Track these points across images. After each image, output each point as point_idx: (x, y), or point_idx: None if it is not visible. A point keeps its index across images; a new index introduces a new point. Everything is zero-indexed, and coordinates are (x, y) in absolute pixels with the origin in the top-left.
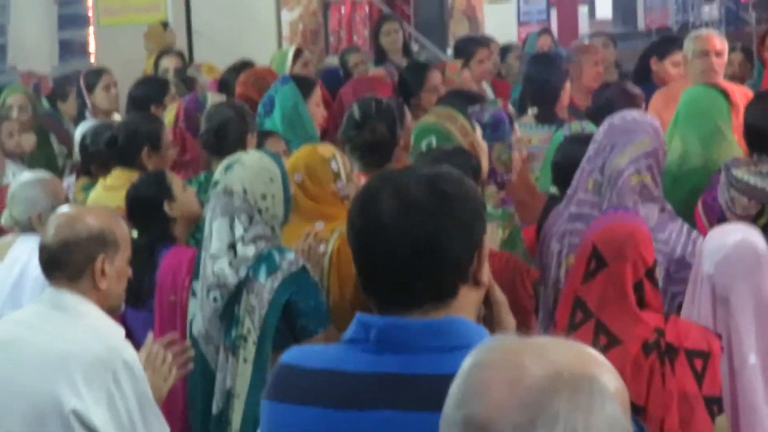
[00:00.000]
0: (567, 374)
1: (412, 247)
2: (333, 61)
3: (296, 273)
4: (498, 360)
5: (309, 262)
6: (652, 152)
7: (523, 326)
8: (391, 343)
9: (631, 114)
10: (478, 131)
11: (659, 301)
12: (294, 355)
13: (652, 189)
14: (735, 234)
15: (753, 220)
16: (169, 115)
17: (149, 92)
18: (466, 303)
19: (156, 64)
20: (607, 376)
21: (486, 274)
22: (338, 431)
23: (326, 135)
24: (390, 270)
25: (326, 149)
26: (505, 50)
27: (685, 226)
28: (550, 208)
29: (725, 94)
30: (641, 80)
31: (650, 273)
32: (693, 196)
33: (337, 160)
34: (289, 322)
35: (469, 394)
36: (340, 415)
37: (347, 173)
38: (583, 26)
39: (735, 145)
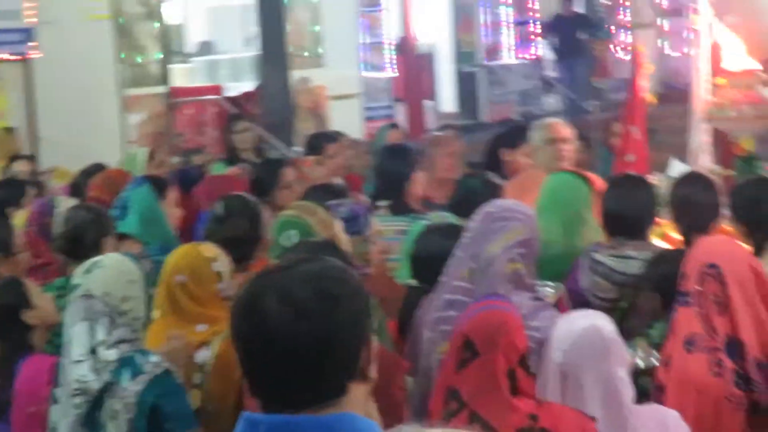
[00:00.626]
0: None
1: (301, 352)
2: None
3: (160, 375)
4: None
5: (175, 364)
6: (525, 241)
7: (395, 419)
8: None
9: (506, 202)
10: (338, 225)
11: (533, 387)
12: None
13: (525, 277)
14: (582, 321)
15: (613, 303)
16: (19, 219)
17: (5, 195)
18: (356, 398)
19: (6, 169)
20: None
21: (374, 369)
22: None
23: (182, 235)
24: (279, 374)
25: (209, 249)
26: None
27: (557, 314)
28: (411, 300)
29: (587, 181)
30: (492, 170)
31: (523, 360)
32: (557, 281)
33: (220, 260)
34: (155, 426)
35: None
36: None
37: (229, 273)
38: (430, 119)
39: (597, 230)
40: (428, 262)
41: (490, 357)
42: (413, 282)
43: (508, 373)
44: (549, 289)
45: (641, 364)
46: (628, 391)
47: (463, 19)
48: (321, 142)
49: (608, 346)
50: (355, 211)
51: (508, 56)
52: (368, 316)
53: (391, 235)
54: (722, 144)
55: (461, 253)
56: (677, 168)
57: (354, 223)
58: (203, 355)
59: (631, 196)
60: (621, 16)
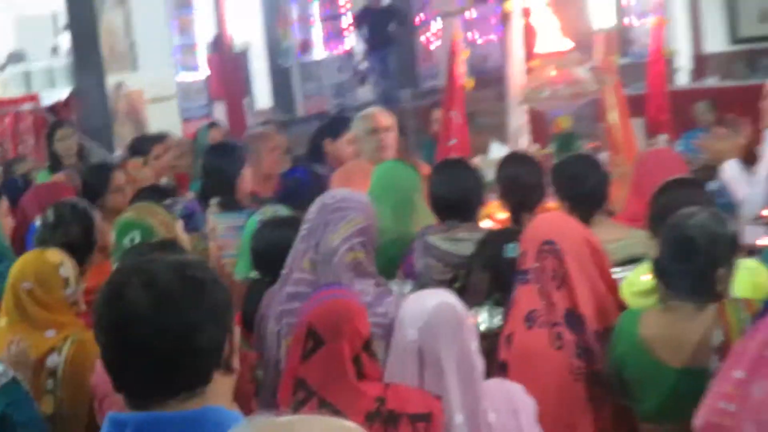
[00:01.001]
0: None
1: (167, 339)
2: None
3: (7, 385)
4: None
5: (20, 371)
6: (364, 229)
7: (245, 411)
8: None
9: (341, 192)
10: (179, 224)
11: (378, 371)
12: None
13: (366, 265)
14: (432, 298)
15: (448, 284)
16: None
17: None
18: (220, 389)
19: None
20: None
21: (237, 359)
22: None
23: (13, 245)
24: (144, 363)
25: (54, 255)
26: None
27: (401, 297)
28: (254, 293)
29: (414, 168)
30: (316, 161)
31: (367, 346)
32: (392, 266)
33: (66, 265)
34: None
35: None
36: None
37: (75, 278)
38: (247, 117)
39: (428, 214)
40: (268, 255)
41: (335, 345)
42: (254, 275)
43: (353, 359)
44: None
45: (485, 325)
46: (480, 366)
47: (276, 16)
48: (145, 144)
49: (461, 321)
50: (191, 209)
51: (321, 51)
52: (230, 306)
53: (223, 232)
54: (540, 124)
55: (301, 245)
56: (498, 150)
57: (191, 221)
58: (54, 361)
59: (458, 179)
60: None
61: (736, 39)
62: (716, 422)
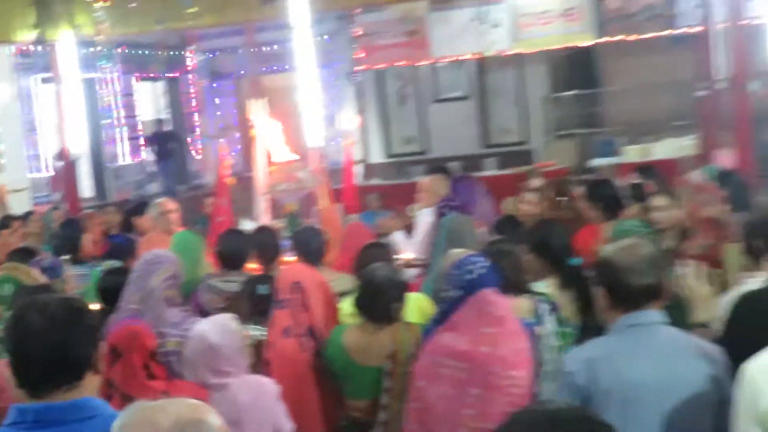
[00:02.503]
0: (185, 420)
1: (54, 350)
2: None
3: None
4: (137, 419)
5: None
6: (173, 275)
7: None
8: (45, 421)
9: (157, 251)
10: (36, 272)
11: (164, 372)
12: None
13: (175, 298)
14: (220, 320)
15: (224, 311)
16: None
17: None
18: (91, 384)
19: None
20: (212, 417)
21: (102, 364)
22: None
23: None
24: (39, 366)
25: None
26: None
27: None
28: (100, 319)
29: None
30: (128, 231)
31: (153, 355)
32: (186, 300)
33: None
34: None
35: None
36: None
37: None
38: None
39: (208, 265)
40: (110, 293)
41: (129, 357)
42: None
43: (143, 366)
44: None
45: (255, 337)
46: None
47: (98, 137)
48: (9, 220)
49: (238, 335)
50: (53, 263)
51: (126, 159)
52: (98, 327)
53: (75, 278)
54: (276, 207)
55: (132, 286)
56: (248, 224)
57: (55, 270)
58: None
59: (232, 241)
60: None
61: (389, 154)
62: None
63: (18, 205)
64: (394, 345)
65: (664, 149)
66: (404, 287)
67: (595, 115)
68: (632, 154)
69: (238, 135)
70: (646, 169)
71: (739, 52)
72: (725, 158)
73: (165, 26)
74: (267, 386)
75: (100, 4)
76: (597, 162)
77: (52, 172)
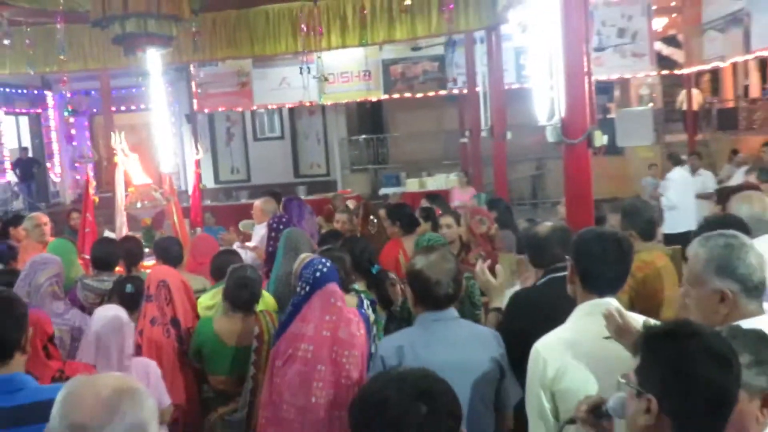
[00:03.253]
0: (121, 388)
1: None
2: None
3: None
4: (79, 391)
5: None
6: (58, 274)
7: None
8: None
9: (43, 255)
10: None
11: (59, 354)
12: None
13: (59, 293)
14: (110, 311)
15: (98, 305)
16: None
17: None
18: (19, 362)
19: None
20: (142, 386)
21: (28, 345)
22: None
23: None
24: None
25: None
26: None
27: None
28: None
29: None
30: (6, 238)
31: (50, 339)
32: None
33: None
34: None
35: (70, 410)
36: None
37: None
38: None
39: (79, 268)
40: None
41: (31, 339)
42: None
43: (43, 347)
44: None
45: None
46: (130, 350)
47: None
48: None
49: (123, 324)
50: None
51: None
52: (26, 316)
53: None
54: (133, 222)
55: (21, 282)
56: (111, 235)
57: None
58: None
59: (105, 247)
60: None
61: (218, 181)
62: (269, 398)
63: None
64: (259, 328)
65: (436, 182)
66: (261, 284)
67: (383, 154)
68: (412, 185)
69: (92, 162)
70: (434, 196)
71: (497, 109)
72: (463, 194)
73: (36, 70)
74: (152, 367)
75: None
76: (385, 191)
77: None
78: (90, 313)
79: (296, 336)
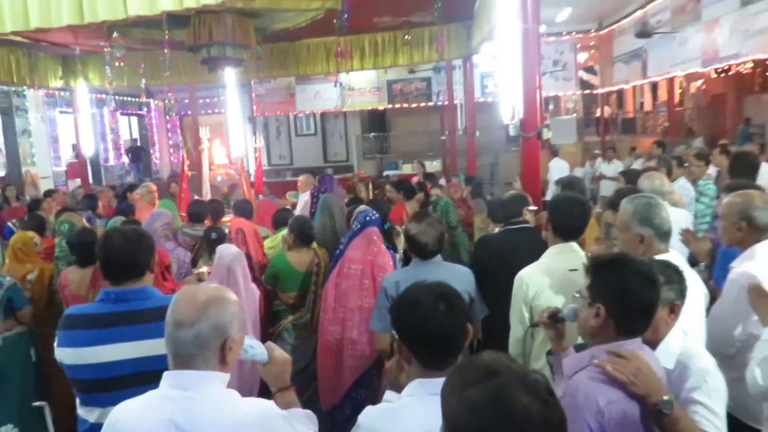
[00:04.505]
0: (213, 296)
1: (128, 258)
2: None
3: (12, 284)
4: (184, 297)
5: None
6: (168, 222)
7: None
8: (121, 299)
9: (157, 210)
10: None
11: (172, 277)
12: (73, 310)
13: (169, 236)
14: (228, 249)
15: (192, 248)
16: None
17: None
18: (148, 279)
19: None
20: (230, 294)
21: (155, 264)
22: (112, 337)
23: None
24: (117, 267)
25: (30, 233)
26: None
27: (180, 247)
28: None
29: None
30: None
31: (167, 267)
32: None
33: (36, 237)
34: (9, 308)
35: (174, 310)
36: (113, 330)
37: (39, 243)
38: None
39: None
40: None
41: (156, 267)
42: None
43: (161, 273)
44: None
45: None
46: (248, 274)
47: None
48: (50, 193)
49: (242, 256)
50: (89, 215)
51: (115, 159)
52: (153, 244)
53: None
54: (216, 190)
55: (144, 227)
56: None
57: (90, 220)
58: (30, 276)
59: (197, 206)
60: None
61: (270, 164)
62: (329, 303)
63: (44, 188)
64: (317, 257)
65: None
66: (313, 230)
67: (386, 147)
68: (406, 169)
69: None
70: (429, 174)
71: (469, 116)
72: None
73: (147, 82)
74: (255, 293)
75: (106, 64)
76: (387, 173)
77: (65, 168)
78: (190, 251)
79: (350, 259)
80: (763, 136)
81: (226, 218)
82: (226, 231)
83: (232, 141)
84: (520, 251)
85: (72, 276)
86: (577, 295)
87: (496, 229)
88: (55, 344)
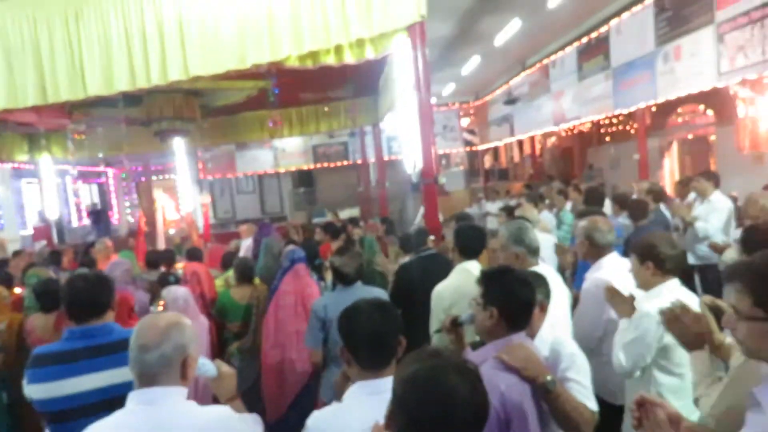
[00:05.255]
0: (172, 322)
1: (91, 298)
2: None
3: None
4: (146, 324)
5: None
6: (128, 269)
7: None
8: (86, 336)
9: (119, 259)
10: None
11: (137, 317)
12: (40, 349)
13: (129, 281)
14: (180, 289)
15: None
16: None
17: None
18: (109, 316)
19: None
20: (186, 320)
21: (115, 303)
22: (78, 370)
23: None
24: (82, 307)
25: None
26: None
27: (140, 291)
28: None
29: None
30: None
31: (131, 309)
32: None
33: (3, 293)
34: None
35: (138, 336)
36: (78, 364)
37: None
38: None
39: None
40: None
41: (120, 308)
42: None
43: (127, 314)
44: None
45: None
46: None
47: (66, 207)
48: (18, 253)
49: (190, 295)
50: (55, 269)
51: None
52: (113, 285)
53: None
54: (168, 241)
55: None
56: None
57: (56, 272)
58: (0, 326)
59: (153, 255)
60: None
61: (216, 218)
62: (271, 330)
63: (11, 250)
64: (256, 292)
65: (345, 214)
66: (252, 269)
67: (314, 199)
68: (331, 216)
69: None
70: (351, 219)
71: (380, 171)
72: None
73: (105, 154)
74: (205, 324)
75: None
76: (315, 220)
77: (32, 231)
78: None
79: (284, 292)
80: (602, 177)
81: (179, 264)
82: (181, 274)
83: (182, 200)
84: (432, 272)
85: (37, 322)
86: (473, 302)
87: (408, 258)
88: (24, 382)
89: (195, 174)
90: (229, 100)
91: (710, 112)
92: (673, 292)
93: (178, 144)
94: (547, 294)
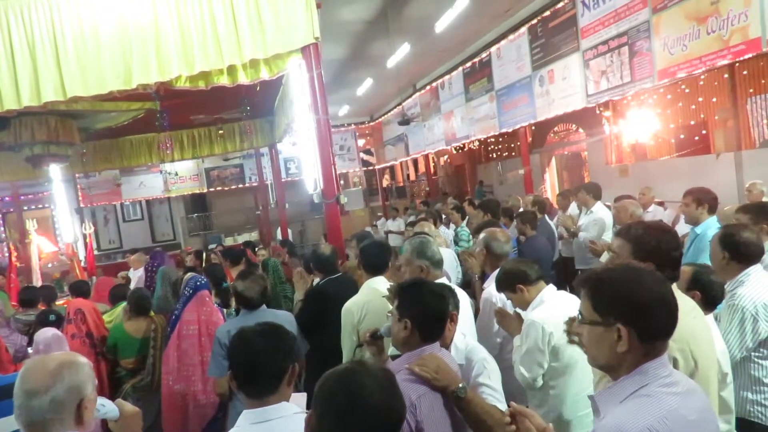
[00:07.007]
0: (64, 361)
1: None
2: None
3: None
4: (33, 366)
5: None
6: (1, 312)
7: None
8: None
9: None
10: None
11: (11, 358)
12: None
13: (2, 323)
14: (49, 331)
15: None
16: None
17: None
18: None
19: None
20: (81, 359)
21: None
22: None
23: None
24: None
25: None
26: None
27: (16, 333)
28: None
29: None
30: None
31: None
32: None
33: None
34: None
35: (24, 380)
36: None
37: None
38: None
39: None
40: None
41: None
42: None
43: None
44: None
45: None
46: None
47: None
48: None
49: (60, 337)
50: None
51: None
52: None
53: None
54: (45, 276)
55: None
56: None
57: None
58: None
59: (29, 293)
60: None
61: (99, 249)
62: (174, 363)
63: None
64: (154, 324)
65: (243, 237)
66: (148, 301)
67: (209, 224)
68: (228, 241)
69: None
70: (248, 242)
71: (279, 193)
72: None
73: None
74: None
75: None
76: (211, 246)
77: None
78: (25, 335)
79: (187, 321)
80: (492, 192)
81: (60, 301)
82: (63, 313)
83: (60, 231)
84: (342, 293)
85: None
86: (389, 314)
87: (317, 279)
88: None
89: (74, 202)
90: (112, 122)
91: (582, 130)
92: (553, 295)
93: (54, 170)
94: (455, 305)
